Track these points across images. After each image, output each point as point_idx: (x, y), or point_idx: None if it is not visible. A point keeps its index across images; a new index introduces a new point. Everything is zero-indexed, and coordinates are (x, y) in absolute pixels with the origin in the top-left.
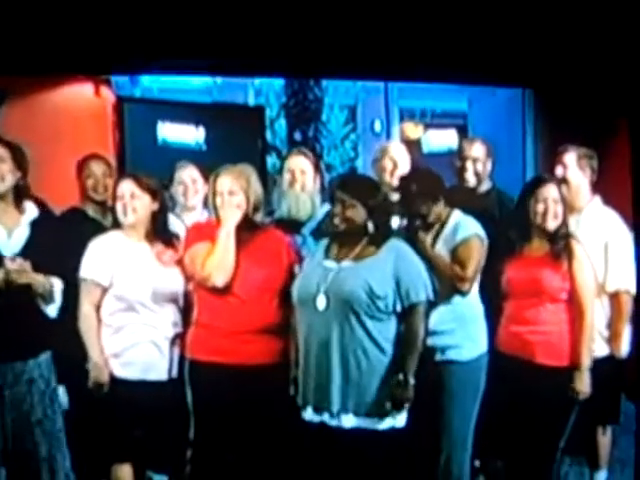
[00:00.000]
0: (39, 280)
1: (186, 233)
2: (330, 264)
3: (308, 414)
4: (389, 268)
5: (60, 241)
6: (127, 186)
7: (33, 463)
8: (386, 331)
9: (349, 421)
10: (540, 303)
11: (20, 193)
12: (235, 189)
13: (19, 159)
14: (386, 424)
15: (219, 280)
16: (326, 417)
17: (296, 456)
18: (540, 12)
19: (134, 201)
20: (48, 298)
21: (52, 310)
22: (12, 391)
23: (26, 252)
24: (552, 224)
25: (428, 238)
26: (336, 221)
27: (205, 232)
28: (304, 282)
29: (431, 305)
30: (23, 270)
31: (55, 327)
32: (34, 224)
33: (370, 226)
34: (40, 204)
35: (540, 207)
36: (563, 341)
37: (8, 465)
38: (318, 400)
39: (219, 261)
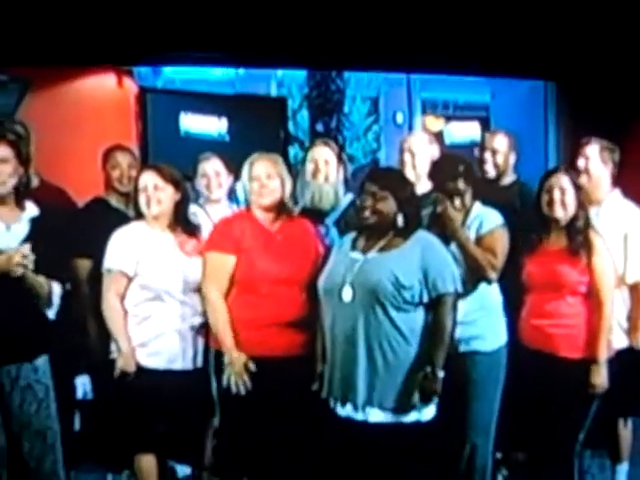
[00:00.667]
0: (38, 280)
1: (212, 228)
2: (356, 255)
3: (336, 407)
4: (416, 259)
5: (79, 235)
6: (150, 178)
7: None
8: (413, 323)
9: (375, 415)
10: (560, 296)
11: (21, 192)
12: (273, 173)
13: (23, 155)
14: (411, 417)
15: (206, 303)
16: (351, 411)
17: (320, 448)
18: (563, 6)
19: (158, 193)
20: (46, 301)
21: (50, 314)
22: (10, 398)
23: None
24: (561, 213)
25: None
26: (366, 214)
27: (229, 237)
28: (330, 274)
29: (458, 297)
30: (23, 262)
31: (56, 328)
32: (34, 221)
33: (400, 219)
34: (59, 193)
35: (546, 197)
36: (584, 334)
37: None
38: (343, 393)
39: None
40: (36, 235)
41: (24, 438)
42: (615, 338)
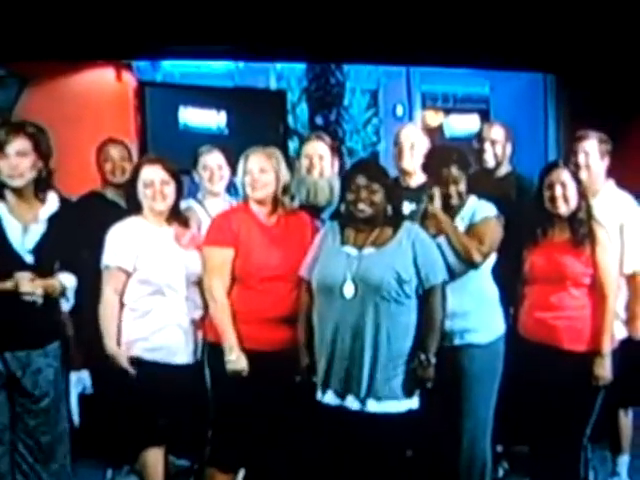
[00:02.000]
0: (53, 285)
1: (210, 223)
2: (351, 251)
3: (327, 398)
4: (409, 253)
5: (78, 227)
6: (156, 172)
7: (35, 456)
8: (409, 315)
9: (373, 406)
10: (564, 288)
11: (41, 184)
12: (267, 167)
13: (42, 148)
14: (404, 406)
15: (210, 300)
16: (348, 402)
17: (314, 439)
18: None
19: (164, 187)
20: (62, 298)
21: (65, 307)
22: (21, 383)
23: (41, 247)
24: (564, 208)
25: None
26: (361, 206)
27: (227, 231)
28: (326, 269)
29: (445, 284)
30: (35, 285)
31: (68, 316)
32: (52, 218)
33: (389, 209)
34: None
35: (547, 193)
36: (588, 326)
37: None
38: (344, 386)
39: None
40: (53, 232)
41: (31, 417)
42: (614, 329)
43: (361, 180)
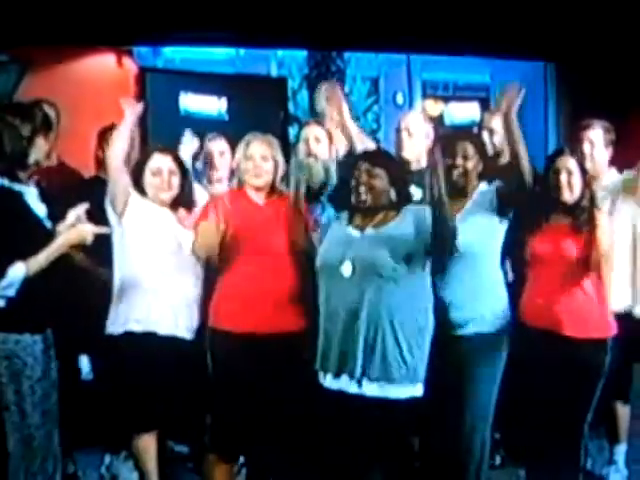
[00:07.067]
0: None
1: (204, 204)
2: (354, 232)
3: (327, 381)
4: (411, 229)
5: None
6: (166, 162)
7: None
8: (414, 295)
9: (370, 389)
10: (565, 274)
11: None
12: (267, 155)
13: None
14: (406, 393)
15: (196, 252)
16: (346, 384)
17: (315, 423)
18: None
19: (172, 177)
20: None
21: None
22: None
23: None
24: (568, 195)
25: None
26: (361, 190)
27: (220, 209)
28: (328, 250)
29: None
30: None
31: (65, 301)
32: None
33: (393, 194)
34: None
35: (553, 179)
36: (589, 312)
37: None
38: (340, 366)
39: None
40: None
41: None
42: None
43: (363, 165)
